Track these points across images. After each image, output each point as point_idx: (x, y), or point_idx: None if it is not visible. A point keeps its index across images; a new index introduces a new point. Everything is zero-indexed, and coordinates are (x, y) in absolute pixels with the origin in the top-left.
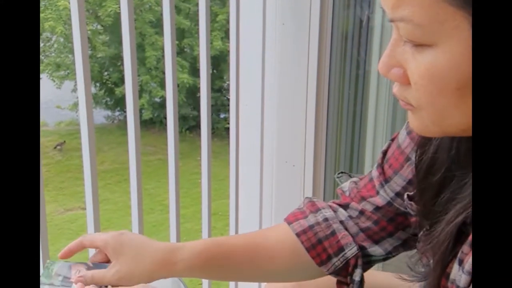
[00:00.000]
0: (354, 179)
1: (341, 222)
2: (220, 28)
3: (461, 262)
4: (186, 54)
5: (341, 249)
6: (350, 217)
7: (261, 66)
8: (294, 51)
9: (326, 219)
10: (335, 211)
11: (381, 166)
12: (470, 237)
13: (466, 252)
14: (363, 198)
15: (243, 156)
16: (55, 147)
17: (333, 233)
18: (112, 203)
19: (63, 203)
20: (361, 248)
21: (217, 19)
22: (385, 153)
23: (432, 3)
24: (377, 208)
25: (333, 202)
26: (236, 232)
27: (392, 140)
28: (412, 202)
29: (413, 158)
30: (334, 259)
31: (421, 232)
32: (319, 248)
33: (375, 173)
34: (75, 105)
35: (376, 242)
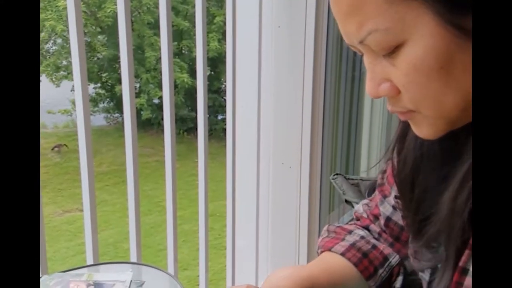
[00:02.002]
0: (365, 201)
1: (376, 238)
2: (218, 30)
3: None
4: (184, 56)
5: (385, 258)
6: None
7: (257, 68)
8: (290, 53)
9: (362, 237)
10: (365, 229)
11: (381, 185)
12: None
13: None
14: (375, 217)
15: (239, 157)
16: (52, 149)
17: (374, 247)
18: (110, 204)
19: (62, 204)
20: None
21: (215, 21)
22: (384, 172)
23: (388, 7)
24: (385, 225)
25: (356, 225)
26: (233, 233)
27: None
28: (399, 200)
29: None
30: (380, 270)
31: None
32: (365, 261)
33: (377, 192)
34: (66, 111)
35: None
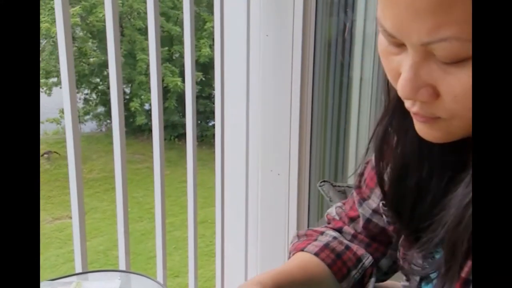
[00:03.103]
0: (338, 204)
1: (349, 240)
2: (209, 36)
3: None
4: (175, 61)
5: (358, 260)
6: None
7: (246, 76)
8: (278, 61)
9: (335, 238)
10: (338, 231)
11: (358, 187)
12: None
13: None
14: (351, 220)
15: (228, 165)
16: (42, 155)
17: (348, 247)
18: (100, 211)
19: (51, 212)
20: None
21: (205, 27)
22: (361, 175)
23: None
24: (363, 227)
25: (327, 227)
26: (222, 240)
27: (367, 163)
28: (387, 208)
29: (385, 177)
30: (353, 272)
31: (401, 239)
32: (339, 263)
33: (354, 194)
34: (55, 120)
35: (376, 260)
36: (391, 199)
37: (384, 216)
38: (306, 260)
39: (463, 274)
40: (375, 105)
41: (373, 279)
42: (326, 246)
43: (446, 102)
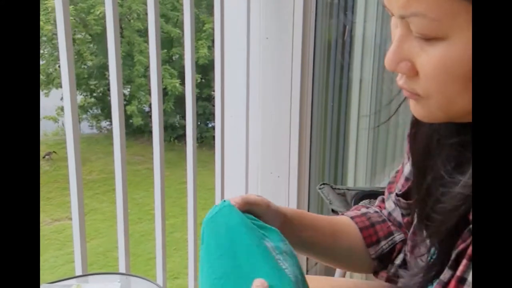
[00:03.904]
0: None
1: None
2: (208, 37)
3: None
4: (175, 63)
5: (390, 233)
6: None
7: (246, 78)
8: (277, 64)
9: (376, 212)
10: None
11: (391, 182)
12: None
13: None
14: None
15: (228, 167)
16: (43, 157)
17: (384, 221)
18: (100, 213)
19: (51, 213)
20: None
21: (204, 28)
22: (398, 171)
23: None
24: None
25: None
26: None
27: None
28: (400, 198)
29: (404, 169)
30: (383, 242)
31: (410, 232)
32: (371, 230)
33: (386, 190)
34: (53, 118)
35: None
36: (414, 178)
37: (399, 208)
38: (340, 219)
39: (458, 273)
40: (375, 108)
41: (401, 255)
42: (364, 214)
43: (422, 80)
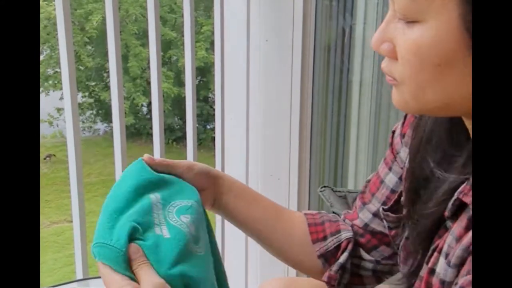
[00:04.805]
0: (349, 211)
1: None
2: (205, 40)
3: (447, 256)
4: (171, 65)
5: (338, 231)
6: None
7: (246, 81)
8: (277, 66)
9: (335, 216)
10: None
11: (363, 192)
12: (456, 231)
13: (452, 245)
14: (351, 220)
15: (228, 169)
16: (44, 159)
17: (336, 221)
18: (98, 215)
19: (49, 216)
20: (355, 244)
21: (202, 30)
22: (369, 181)
23: None
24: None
25: None
26: (223, 244)
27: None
28: (388, 213)
29: (386, 180)
30: (329, 239)
31: (402, 241)
32: (319, 227)
33: (357, 200)
34: (48, 121)
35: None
36: (409, 177)
37: (384, 221)
38: (291, 211)
39: (430, 265)
40: (375, 110)
41: (346, 254)
42: (319, 213)
43: (399, 63)
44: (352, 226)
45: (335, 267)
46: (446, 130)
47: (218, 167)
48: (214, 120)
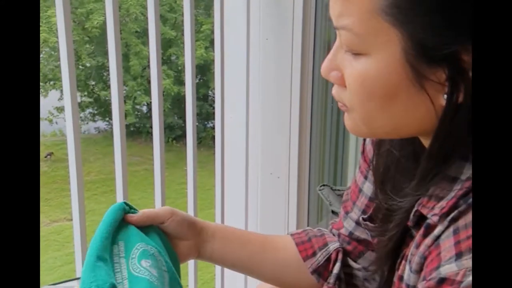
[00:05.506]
0: (336, 220)
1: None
2: (205, 38)
3: (410, 262)
4: (171, 64)
5: (325, 244)
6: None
7: (246, 80)
8: (277, 64)
9: (320, 229)
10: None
11: (345, 200)
12: (417, 239)
13: (413, 253)
14: (337, 230)
15: (228, 167)
16: (45, 157)
17: (322, 235)
18: (98, 214)
19: (49, 214)
20: (344, 254)
21: (202, 29)
22: (348, 188)
23: (370, 17)
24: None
25: None
26: None
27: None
28: (368, 222)
29: (363, 189)
30: (318, 254)
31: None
32: (307, 244)
33: (341, 207)
34: (48, 119)
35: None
36: (376, 192)
37: (365, 228)
38: (278, 236)
39: (399, 272)
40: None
41: (338, 264)
42: (304, 230)
43: (347, 91)
44: (339, 235)
45: (332, 279)
46: (404, 154)
47: (217, 166)
48: (213, 119)
